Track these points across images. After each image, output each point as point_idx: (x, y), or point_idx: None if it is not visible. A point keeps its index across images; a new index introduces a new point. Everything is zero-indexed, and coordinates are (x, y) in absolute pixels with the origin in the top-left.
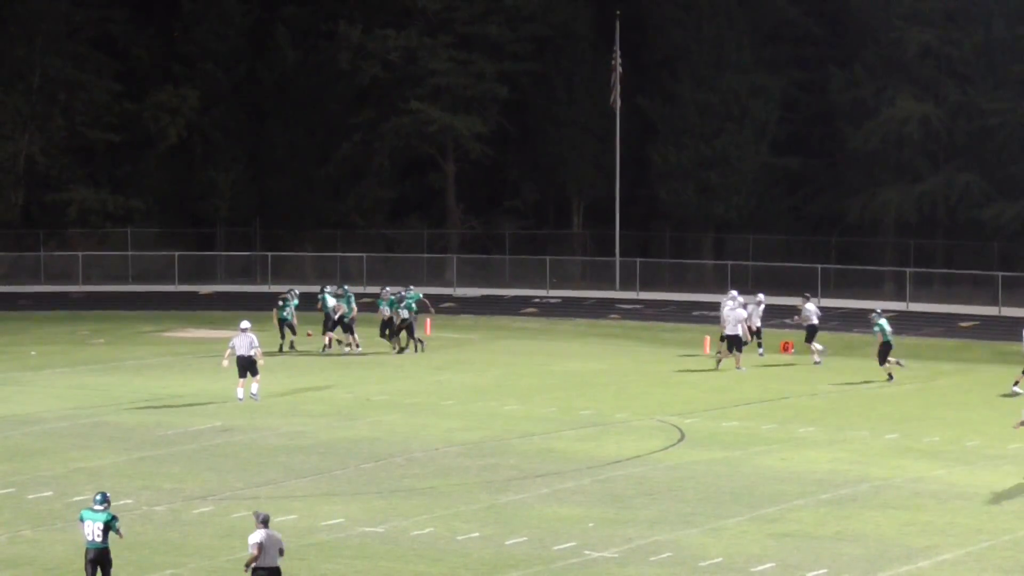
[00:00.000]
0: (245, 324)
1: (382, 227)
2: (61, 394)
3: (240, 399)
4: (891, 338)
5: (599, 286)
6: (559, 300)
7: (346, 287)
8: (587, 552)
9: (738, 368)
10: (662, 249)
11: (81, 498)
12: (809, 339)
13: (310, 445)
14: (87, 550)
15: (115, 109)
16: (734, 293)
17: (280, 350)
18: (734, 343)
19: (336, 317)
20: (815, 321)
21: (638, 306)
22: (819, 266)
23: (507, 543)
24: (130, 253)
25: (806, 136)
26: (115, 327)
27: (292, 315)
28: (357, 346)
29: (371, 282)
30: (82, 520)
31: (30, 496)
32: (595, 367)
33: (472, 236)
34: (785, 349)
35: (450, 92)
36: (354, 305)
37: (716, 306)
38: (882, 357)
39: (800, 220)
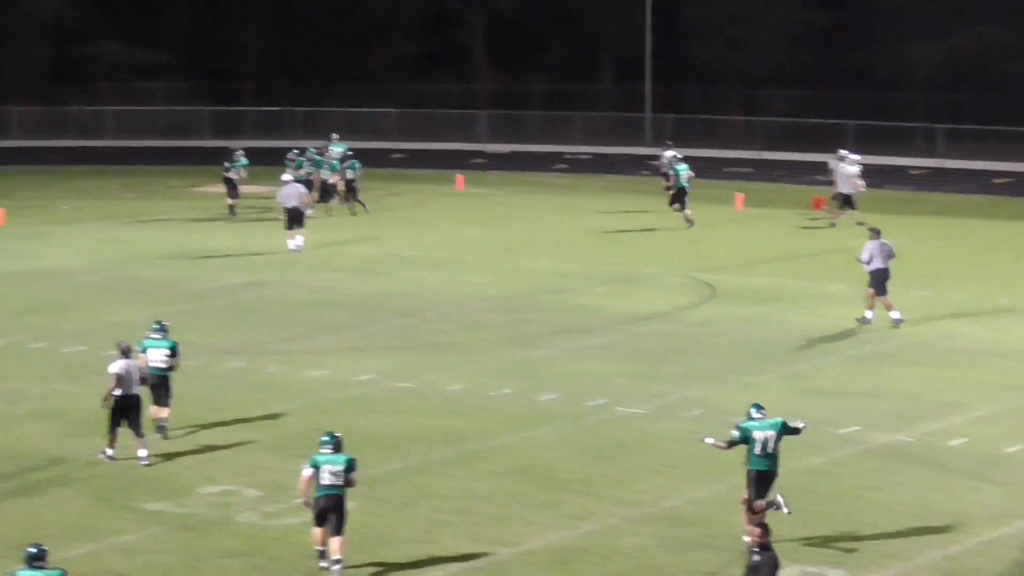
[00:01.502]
0: (287, 176)
1: (410, 82)
2: (92, 248)
3: (291, 250)
4: (686, 184)
5: (629, 142)
6: (589, 156)
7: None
8: (618, 408)
9: (860, 223)
10: (692, 105)
11: (114, 352)
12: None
13: (340, 300)
14: (150, 375)
15: None
16: (844, 152)
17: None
18: (847, 201)
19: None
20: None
21: None
22: (849, 122)
23: (538, 399)
24: (159, 108)
25: None
26: (145, 182)
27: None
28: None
29: (400, 138)
30: (144, 350)
31: (63, 350)
32: (624, 223)
33: (501, 91)
34: (816, 206)
35: None
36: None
37: (748, 162)
38: (674, 200)
39: (830, 76)
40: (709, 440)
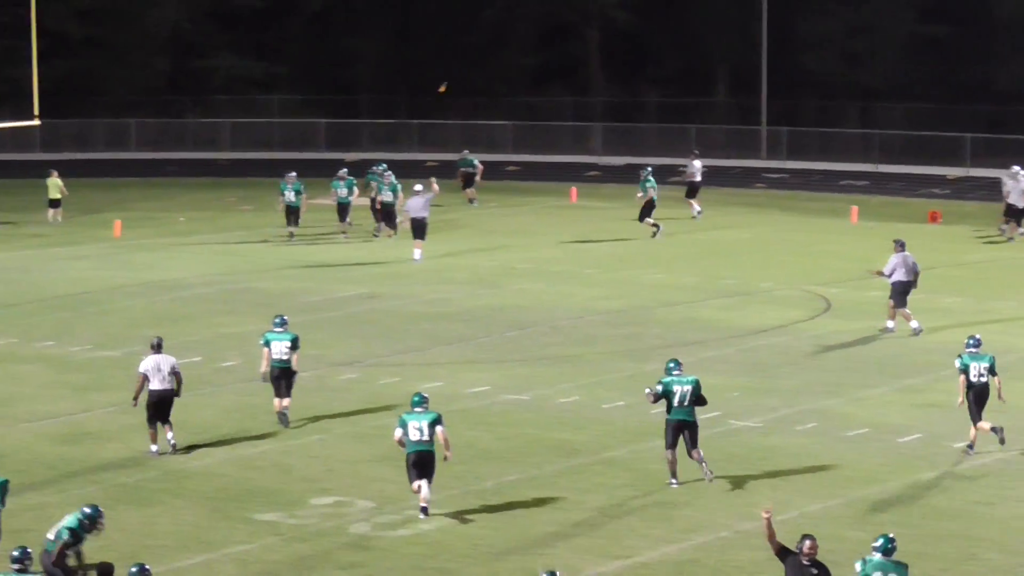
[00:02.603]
0: (418, 187)
1: (526, 95)
2: (208, 260)
3: (416, 260)
4: (656, 196)
5: (744, 155)
6: (704, 169)
7: (385, 168)
8: (732, 422)
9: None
10: (808, 118)
11: (228, 364)
12: (690, 195)
13: (454, 312)
14: (272, 368)
15: None
16: (1016, 168)
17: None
18: (1019, 215)
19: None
20: (698, 179)
21: (784, 175)
22: (968, 135)
23: (651, 412)
24: (276, 120)
25: (954, 3)
26: (261, 194)
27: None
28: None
29: (515, 150)
30: (268, 343)
31: (179, 361)
32: (739, 236)
33: (616, 104)
34: (932, 219)
35: None
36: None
37: (864, 175)
38: (645, 212)
39: (948, 89)
40: (647, 390)
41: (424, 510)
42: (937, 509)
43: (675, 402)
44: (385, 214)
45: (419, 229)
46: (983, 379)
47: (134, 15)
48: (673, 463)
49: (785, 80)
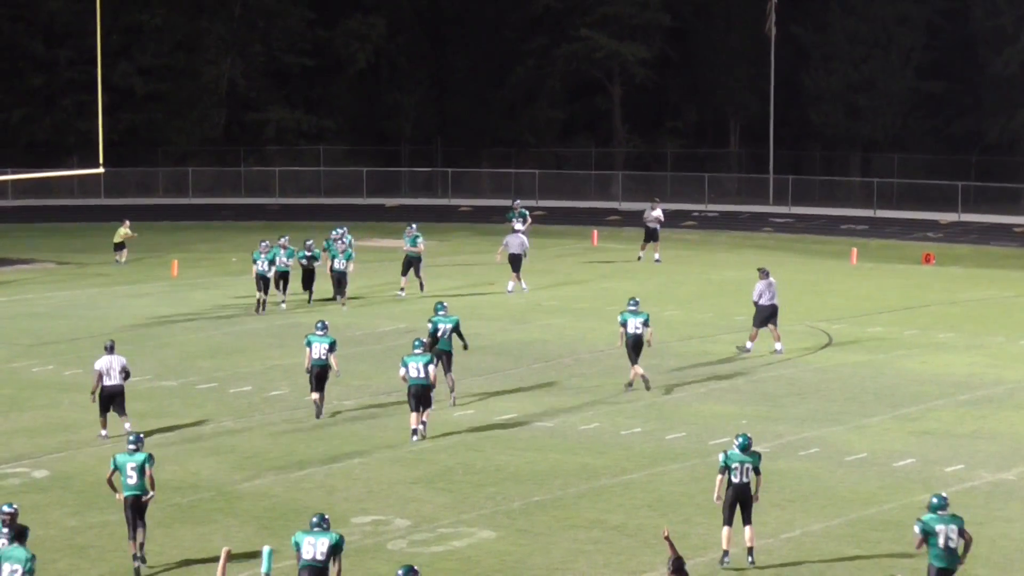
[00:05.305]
0: (519, 226)
1: (553, 146)
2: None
3: (510, 292)
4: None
5: (753, 201)
6: (716, 214)
7: (344, 232)
8: None
9: None
10: (812, 167)
11: (277, 392)
12: (650, 239)
13: (486, 346)
14: (312, 367)
15: (309, 36)
16: None
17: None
18: None
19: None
20: (657, 225)
21: (790, 220)
22: (959, 183)
23: (667, 438)
24: (322, 168)
25: (949, 62)
26: (308, 236)
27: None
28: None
29: (542, 196)
30: (309, 344)
31: (231, 390)
32: (749, 276)
33: (636, 154)
34: (927, 260)
35: (617, 20)
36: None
37: (863, 220)
38: (407, 267)
39: (942, 140)
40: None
41: (415, 431)
42: None
43: (437, 334)
44: (336, 282)
45: (515, 264)
46: (639, 331)
47: (193, 72)
48: (449, 385)
49: (792, 132)
